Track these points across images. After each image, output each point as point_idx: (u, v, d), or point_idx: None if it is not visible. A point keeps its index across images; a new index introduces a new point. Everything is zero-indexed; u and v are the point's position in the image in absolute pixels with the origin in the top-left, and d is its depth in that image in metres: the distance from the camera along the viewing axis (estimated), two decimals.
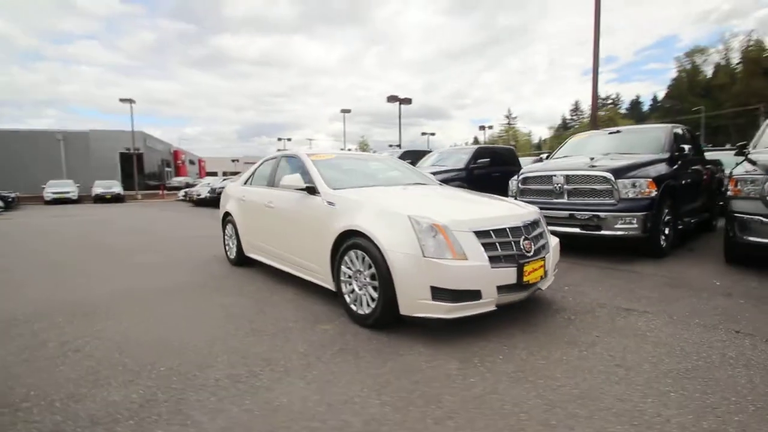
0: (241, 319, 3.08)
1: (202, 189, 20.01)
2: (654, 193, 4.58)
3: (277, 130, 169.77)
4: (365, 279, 2.79)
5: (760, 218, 3.82)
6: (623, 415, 1.72)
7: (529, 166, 5.94)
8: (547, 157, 6.70)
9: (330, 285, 3.20)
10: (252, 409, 1.85)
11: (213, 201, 17.78)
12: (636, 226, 4.52)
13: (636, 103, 72.56)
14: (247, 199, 4.60)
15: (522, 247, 2.71)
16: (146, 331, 2.88)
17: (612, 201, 4.64)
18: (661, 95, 69.39)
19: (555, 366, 2.18)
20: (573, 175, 4.94)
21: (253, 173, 4.87)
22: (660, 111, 61.99)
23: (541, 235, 2.95)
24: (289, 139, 51.94)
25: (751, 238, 3.91)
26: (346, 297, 2.97)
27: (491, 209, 2.98)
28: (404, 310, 2.53)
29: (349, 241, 2.89)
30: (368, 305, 2.77)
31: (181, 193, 24.25)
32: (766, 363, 2.16)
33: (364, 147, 54.13)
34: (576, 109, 68.68)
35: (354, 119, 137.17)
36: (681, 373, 2.08)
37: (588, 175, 4.82)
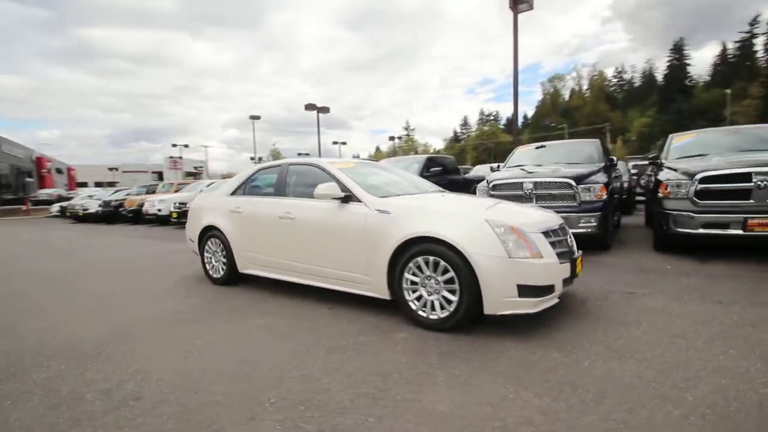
0: (300, 339, 2.87)
1: (88, 203, 17.13)
2: (605, 196, 5.47)
3: (160, 135, 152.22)
4: (437, 284, 2.85)
5: (688, 213, 4.85)
6: (718, 372, 2.12)
7: (495, 174, 6.53)
8: (498, 167, 7.45)
9: (383, 294, 3.17)
10: (421, 421, 1.81)
11: (105, 217, 15.38)
12: (594, 224, 5.34)
13: (512, 121, 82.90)
14: (245, 210, 4.22)
15: (569, 244, 3.07)
16: (204, 364, 2.51)
17: (574, 204, 5.41)
18: (530, 113, 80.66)
19: (634, 342, 2.54)
20: (541, 182, 5.62)
21: (244, 183, 4.47)
22: (531, 127, 71.95)
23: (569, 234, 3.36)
24: (186, 146, 47.15)
25: (680, 230, 4.93)
26: (412, 304, 2.98)
27: (534, 212, 3.30)
28: (489, 309, 2.67)
29: (415, 248, 2.92)
30: (442, 309, 2.84)
31: (55, 207, 20.39)
32: (761, 320, 2.81)
33: (276, 155, 51.76)
34: (465, 123, 75.95)
35: (249, 127, 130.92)
36: (722, 335, 2.60)
37: (554, 182, 5.54)
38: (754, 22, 53.54)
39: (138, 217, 14.01)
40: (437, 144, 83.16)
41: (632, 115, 59.29)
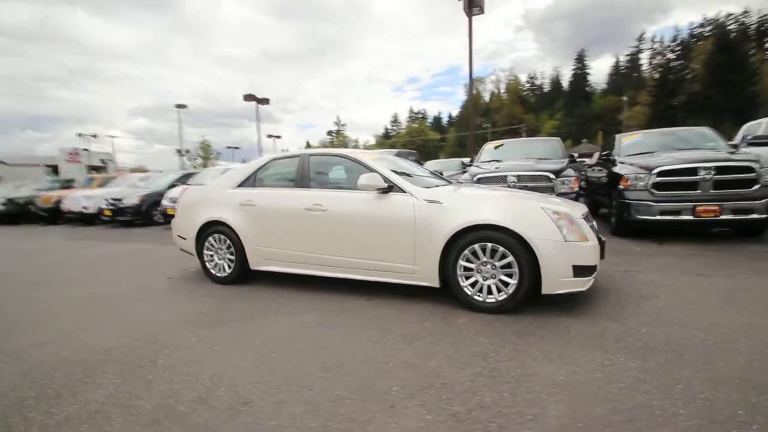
0: (365, 330, 2.85)
1: None
2: (577, 188, 6.10)
3: (50, 123, 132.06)
4: (494, 269, 3.01)
5: (647, 203, 5.63)
6: (747, 327, 2.57)
7: (476, 168, 6.88)
8: (471, 162, 7.87)
9: (432, 282, 3.25)
10: (553, 392, 1.95)
11: (10, 216, 13.13)
12: None
13: (438, 119, 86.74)
14: (261, 203, 3.97)
15: (596, 228, 3.43)
16: (288, 362, 2.39)
17: (552, 195, 5.96)
18: (454, 113, 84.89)
19: (666, 311, 2.94)
20: (523, 175, 6.09)
21: (253, 174, 4.20)
22: (455, 125, 75.80)
23: None
24: (94, 136, 41.51)
25: (641, 217, 5.70)
26: (466, 290, 3.11)
27: (563, 201, 3.60)
28: (547, 289, 2.90)
29: (471, 236, 3.05)
30: (499, 292, 3.01)
31: None
32: (743, 287, 3.42)
33: (206, 149, 47.61)
34: (395, 120, 77.56)
35: (163, 116, 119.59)
36: (725, 299, 3.12)
37: (536, 175, 6.04)
38: (640, 38, 62.30)
39: (55, 216, 12.17)
40: (367, 140, 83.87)
41: (543, 117, 65.37)
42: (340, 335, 2.78)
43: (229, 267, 4.19)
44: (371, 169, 3.56)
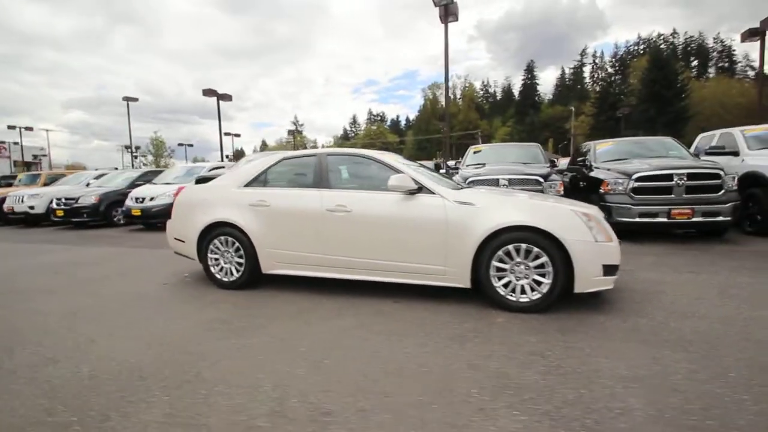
0: (408, 333, 2.82)
1: None
2: (562, 191, 6.43)
3: None
4: (527, 269, 3.10)
5: (627, 206, 6.05)
6: (754, 320, 2.84)
7: (467, 171, 7.02)
8: (456, 164, 8.05)
9: (463, 283, 3.28)
10: (628, 384, 2.04)
11: None
12: None
13: (396, 122, 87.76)
14: (275, 203, 3.80)
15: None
16: (345, 370, 2.31)
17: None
18: (412, 116, 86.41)
19: (678, 305, 3.18)
20: (514, 178, 6.32)
21: (262, 173, 4.01)
22: (413, 129, 77.10)
23: None
24: (29, 128, 37.39)
25: (621, 219, 6.11)
26: (499, 290, 3.17)
27: (580, 203, 3.77)
28: (579, 288, 3.03)
29: (504, 237, 3.11)
30: (532, 292, 3.10)
31: None
32: (734, 283, 3.77)
33: (158, 146, 44.24)
34: (354, 122, 77.44)
35: (101, 110, 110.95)
36: (723, 294, 3.42)
37: (526, 178, 6.29)
38: (583, 53, 66.93)
39: None
40: (326, 141, 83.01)
41: (496, 124, 68.24)
42: (385, 339, 2.72)
43: (237, 271, 3.97)
44: (397, 170, 3.53)
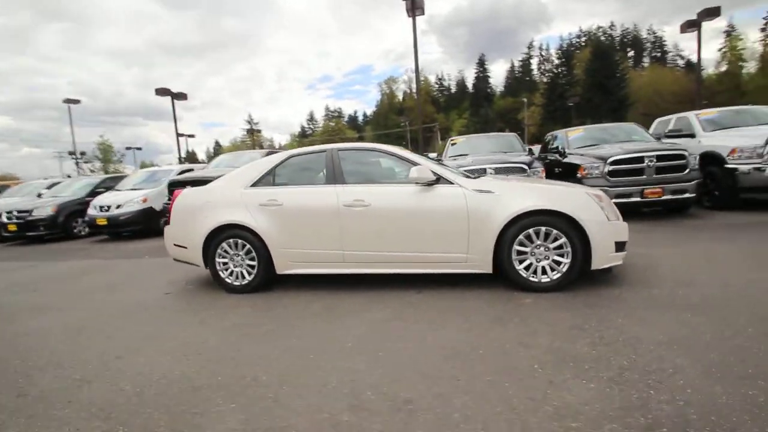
0: (449, 323, 2.89)
1: None
2: (545, 177, 6.74)
3: None
4: (547, 251, 3.26)
5: (603, 188, 6.44)
6: (756, 281, 3.17)
7: (451, 163, 7.16)
8: (439, 156, 8.20)
9: (485, 269, 3.39)
10: (682, 353, 2.22)
11: None
12: None
13: (354, 117, 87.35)
14: (288, 202, 3.71)
15: None
16: (412, 368, 2.33)
17: None
18: (369, 111, 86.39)
19: (680, 274, 3.47)
20: (501, 167, 6.54)
21: (269, 172, 3.90)
22: (371, 124, 77.15)
23: None
24: None
25: None
26: (521, 272, 3.31)
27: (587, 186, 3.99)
28: (596, 265, 3.22)
29: (525, 221, 3.25)
30: (552, 272, 3.27)
31: None
32: (721, 254, 4.16)
33: (106, 151, 40.56)
34: (311, 119, 76.20)
35: (31, 114, 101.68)
36: (720, 264, 3.76)
37: (512, 167, 6.53)
38: (530, 46, 69.75)
39: None
40: (282, 139, 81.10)
41: (453, 116, 69.72)
42: (427, 327, 2.77)
43: (249, 274, 3.86)
44: (412, 162, 3.58)
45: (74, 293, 4.44)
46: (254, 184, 3.91)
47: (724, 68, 47.43)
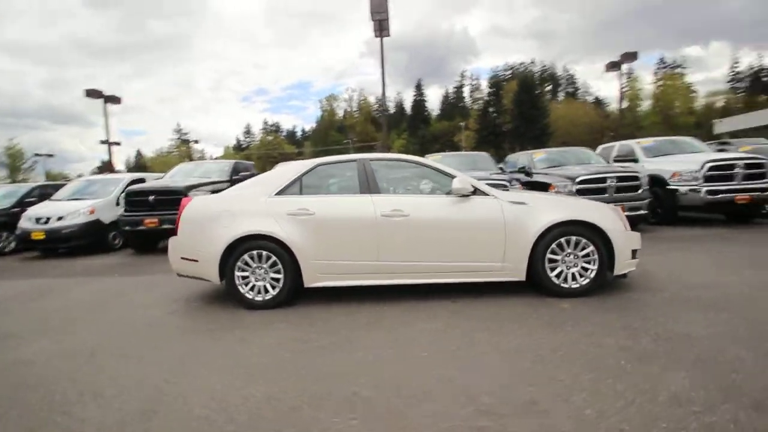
0: (503, 330, 2.97)
1: None
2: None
3: None
4: (576, 258, 3.52)
5: None
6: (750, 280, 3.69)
7: None
8: None
9: (519, 277, 3.55)
10: (725, 341, 2.51)
11: None
12: None
13: (292, 133, 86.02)
14: (320, 211, 3.57)
15: None
16: (500, 365, 2.37)
17: None
18: (308, 128, 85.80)
19: (682, 273, 3.93)
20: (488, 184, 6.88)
21: (296, 180, 3.73)
22: (311, 140, 76.56)
23: None
24: None
25: None
26: (553, 279, 3.51)
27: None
28: (617, 271, 3.53)
29: (556, 231, 3.48)
30: (581, 278, 3.52)
31: None
32: (709, 257, 4.76)
33: (15, 157, 34.42)
34: (248, 132, 73.58)
35: None
36: (714, 264, 4.32)
37: (495, 183, 6.87)
38: (462, 75, 74.73)
39: None
40: (215, 151, 76.89)
41: (393, 137, 71.65)
42: (489, 334, 2.82)
43: (273, 288, 3.62)
44: (447, 174, 3.68)
45: (54, 315, 3.79)
46: (280, 193, 3.72)
47: (625, 105, 54.91)
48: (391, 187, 3.77)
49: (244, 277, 3.64)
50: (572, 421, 1.77)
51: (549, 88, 69.67)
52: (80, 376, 2.45)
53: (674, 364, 2.23)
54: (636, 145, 8.75)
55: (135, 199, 7.22)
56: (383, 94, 13.66)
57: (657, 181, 7.66)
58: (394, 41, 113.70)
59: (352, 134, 69.28)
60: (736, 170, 6.91)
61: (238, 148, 72.84)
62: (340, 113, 76.07)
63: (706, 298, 3.33)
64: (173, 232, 7.49)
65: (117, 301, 4.19)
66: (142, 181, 9.05)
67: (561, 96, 69.23)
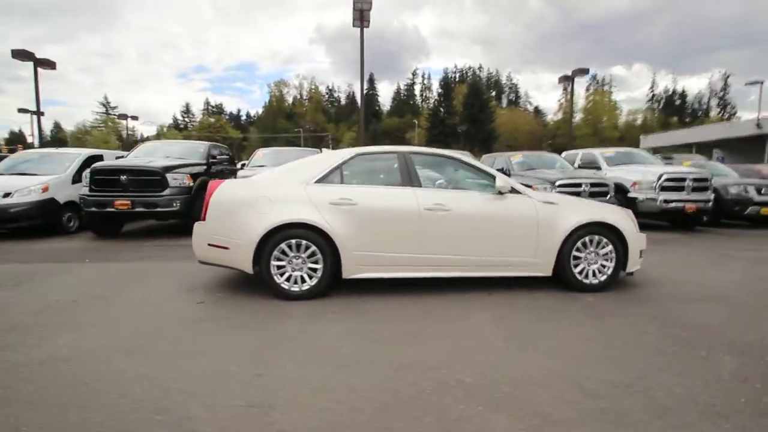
0: (550, 318, 3.19)
1: None
2: None
3: None
4: (597, 256, 3.84)
5: None
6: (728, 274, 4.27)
7: None
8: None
9: (547, 272, 3.81)
10: (737, 328, 2.92)
11: None
12: None
13: (236, 116, 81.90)
14: (364, 202, 3.53)
15: None
16: (575, 356, 2.55)
17: None
18: (253, 112, 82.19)
19: (678, 273, 4.44)
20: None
21: (337, 169, 3.65)
22: (258, 125, 73.45)
23: None
24: None
25: None
26: (577, 275, 3.81)
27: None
28: (629, 269, 3.92)
29: (582, 231, 3.78)
30: (600, 273, 3.85)
31: None
32: (675, 257, 5.38)
33: None
34: (187, 111, 68.61)
35: None
36: (704, 262, 4.90)
37: None
38: (414, 73, 75.91)
39: None
40: (147, 130, 70.63)
41: (343, 129, 71.00)
42: (543, 325, 3.01)
43: (311, 278, 3.52)
44: (489, 173, 3.82)
45: (51, 304, 3.35)
46: (319, 181, 3.61)
47: (560, 116, 59.45)
48: (430, 181, 3.83)
49: (279, 267, 3.50)
50: (670, 398, 1.99)
51: (493, 93, 73.15)
52: (135, 376, 2.23)
53: (714, 348, 2.56)
54: (599, 154, 9.59)
55: (103, 178, 6.52)
56: (362, 86, 13.56)
57: (618, 189, 8.49)
58: (342, 31, 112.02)
59: (303, 122, 67.47)
60: (687, 183, 7.90)
61: (175, 127, 67.68)
62: (290, 100, 73.63)
63: (698, 292, 3.82)
64: (147, 215, 6.95)
65: (131, 291, 3.81)
66: (100, 158, 8.16)
67: (504, 103, 73.12)
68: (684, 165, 9.85)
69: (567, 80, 17.85)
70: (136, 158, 7.71)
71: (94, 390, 2.04)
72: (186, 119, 69.13)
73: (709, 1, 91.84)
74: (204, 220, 3.55)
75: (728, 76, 59.60)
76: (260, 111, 77.06)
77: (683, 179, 7.90)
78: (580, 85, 79.35)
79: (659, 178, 7.91)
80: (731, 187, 8.49)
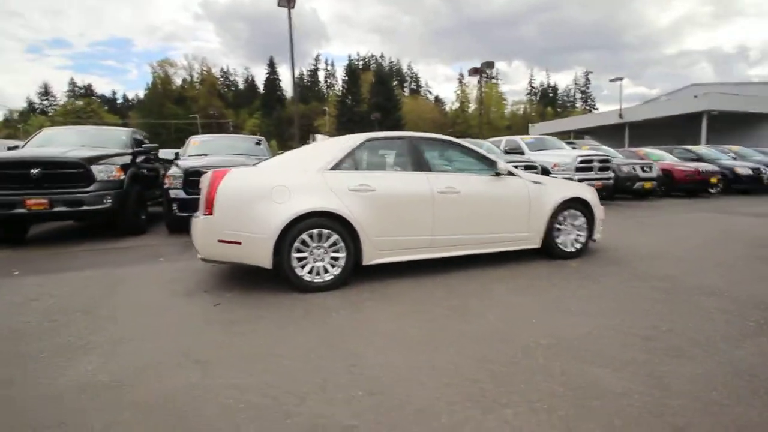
0: (561, 285, 3.60)
1: None
2: None
3: None
4: (573, 228, 4.41)
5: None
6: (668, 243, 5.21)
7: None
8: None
9: (537, 244, 4.25)
10: (716, 290, 3.66)
11: None
12: None
13: (111, 99, 71.19)
14: (381, 187, 3.51)
15: None
16: (615, 329, 2.95)
17: None
18: (131, 95, 72.45)
19: (649, 235, 5.27)
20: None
21: (349, 155, 3.56)
22: (140, 110, 64.99)
23: None
24: None
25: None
26: (560, 246, 4.33)
27: None
28: (595, 237, 4.57)
29: (563, 205, 4.29)
30: (577, 244, 4.43)
31: None
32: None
33: None
34: (46, 93, 57.28)
35: None
36: (637, 228, 5.82)
37: None
38: (317, 59, 74.20)
39: None
40: None
41: (243, 115, 66.54)
42: (563, 292, 3.35)
43: (332, 268, 3.42)
44: (488, 157, 4.09)
45: (20, 327, 2.68)
46: (334, 168, 3.49)
47: (456, 106, 63.98)
48: (439, 165, 3.96)
49: (299, 259, 3.32)
50: (693, 333, 2.47)
51: (395, 82, 75.40)
52: (236, 380, 2.00)
53: (689, 292, 3.21)
54: (520, 140, 10.72)
55: (7, 173, 5.28)
56: (292, 70, 12.87)
57: (543, 171, 9.62)
58: (232, 8, 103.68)
59: (196, 108, 61.38)
60: (594, 164, 9.31)
61: (32, 110, 56.20)
62: (179, 82, 66.28)
63: (648, 252, 4.65)
64: (70, 215, 5.87)
65: (116, 300, 3.22)
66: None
67: (407, 92, 75.89)
68: (583, 149, 11.54)
69: (477, 73, 19.35)
70: (43, 148, 6.35)
71: (195, 410, 1.78)
72: (45, 102, 57.77)
73: (574, 8, 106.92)
74: (210, 214, 3.18)
75: (589, 74, 70.47)
76: (141, 94, 68.09)
77: (592, 161, 9.29)
78: (473, 78, 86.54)
79: (575, 160, 9.18)
80: (624, 166, 10.24)
